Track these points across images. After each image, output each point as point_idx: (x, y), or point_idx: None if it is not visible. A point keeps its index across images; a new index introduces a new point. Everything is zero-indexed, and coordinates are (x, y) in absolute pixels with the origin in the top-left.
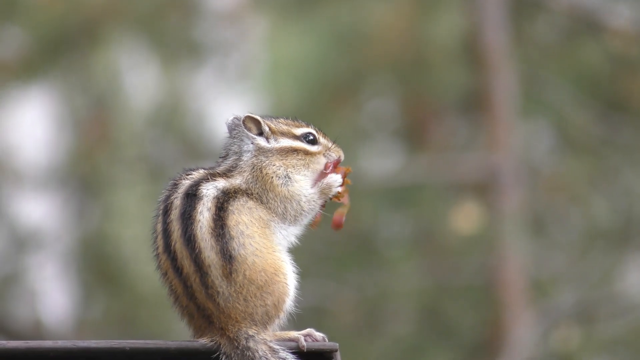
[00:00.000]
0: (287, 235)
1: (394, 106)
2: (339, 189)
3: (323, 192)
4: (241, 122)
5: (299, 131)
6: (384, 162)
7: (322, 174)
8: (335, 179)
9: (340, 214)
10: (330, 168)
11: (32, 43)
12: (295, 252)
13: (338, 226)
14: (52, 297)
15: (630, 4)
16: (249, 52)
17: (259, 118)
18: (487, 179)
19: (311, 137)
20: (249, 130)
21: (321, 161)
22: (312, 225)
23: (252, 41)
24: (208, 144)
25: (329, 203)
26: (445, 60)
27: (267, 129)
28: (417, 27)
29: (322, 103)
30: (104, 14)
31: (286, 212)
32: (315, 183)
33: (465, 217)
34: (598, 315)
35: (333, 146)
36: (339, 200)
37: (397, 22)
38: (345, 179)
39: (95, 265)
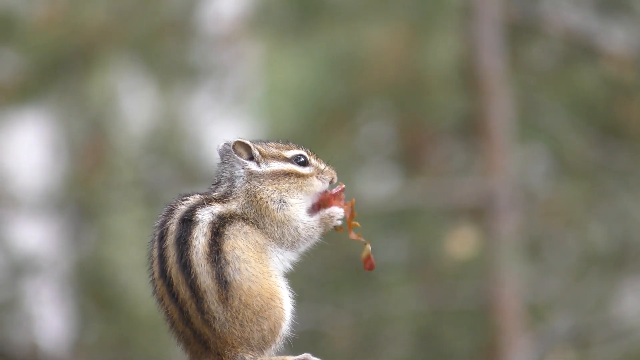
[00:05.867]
0: (283, 259)
1: (390, 130)
2: (340, 222)
3: (324, 221)
4: (231, 148)
5: (289, 153)
6: (380, 186)
7: (323, 204)
8: (338, 211)
9: (367, 255)
10: (330, 195)
11: (28, 66)
12: (291, 276)
13: (371, 268)
14: (49, 322)
15: (626, 28)
16: (245, 75)
17: (248, 143)
18: (483, 203)
19: (302, 159)
20: (240, 155)
21: (315, 183)
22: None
23: (249, 65)
24: (204, 168)
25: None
26: (441, 85)
27: (257, 153)
28: (413, 52)
29: (319, 127)
30: (100, 37)
31: (283, 236)
32: (314, 209)
33: (461, 242)
34: (594, 340)
35: (325, 167)
36: (342, 231)
37: (392, 47)
38: (354, 221)
39: (92, 290)
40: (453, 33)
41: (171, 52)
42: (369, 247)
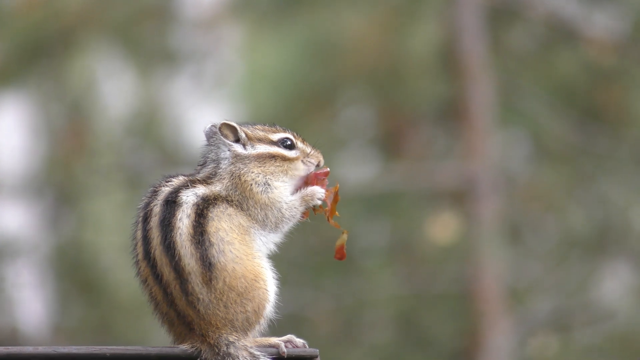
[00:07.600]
0: (266, 242)
1: (370, 114)
2: (320, 202)
3: (304, 199)
4: (218, 130)
5: (276, 136)
6: (360, 170)
7: (306, 183)
8: (318, 190)
9: (341, 244)
10: (313, 175)
11: (8, 50)
12: (273, 259)
13: (341, 257)
14: (29, 305)
15: (607, 13)
16: (225, 60)
17: (235, 125)
18: (464, 187)
19: (288, 142)
20: (226, 137)
21: (300, 167)
22: (302, 216)
23: (229, 49)
24: (185, 151)
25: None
26: (422, 69)
27: (243, 135)
28: (394, 36)
29: (299, 111)
30: (80, 21)
31: (267, 219)
32: (297, 189)
33: (442, 226)
34: (574, 323)
35: (312, 151)
36: (321, 212)
37: (373, 31)
38: (335, 212)
39: (72, 273)
40: (434, 16)
41: (151, 37)
42: (345, 236)
